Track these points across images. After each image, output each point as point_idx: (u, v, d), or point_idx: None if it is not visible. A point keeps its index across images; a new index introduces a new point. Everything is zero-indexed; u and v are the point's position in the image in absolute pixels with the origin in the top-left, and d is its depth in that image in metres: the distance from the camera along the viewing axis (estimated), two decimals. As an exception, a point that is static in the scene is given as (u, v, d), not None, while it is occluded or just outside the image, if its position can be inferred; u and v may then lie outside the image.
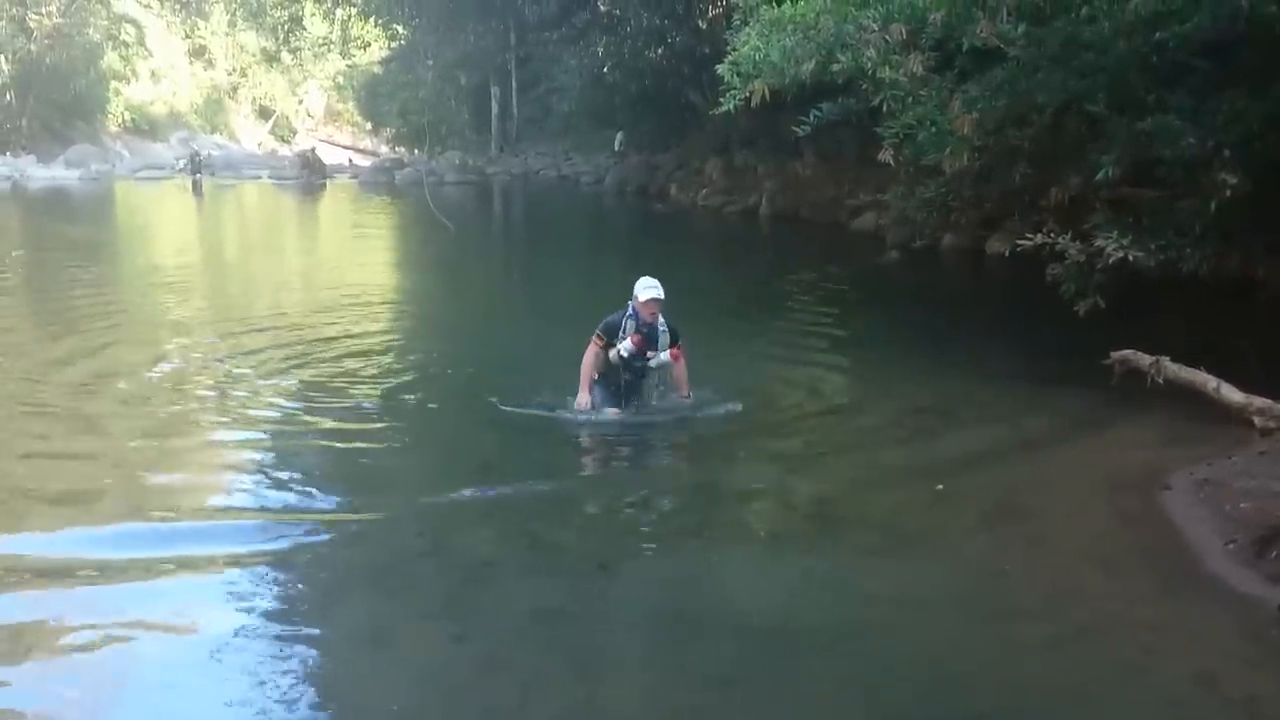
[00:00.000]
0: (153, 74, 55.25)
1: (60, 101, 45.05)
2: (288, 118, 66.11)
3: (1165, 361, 7.18)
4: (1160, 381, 7.17)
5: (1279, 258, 9.93)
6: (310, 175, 40.03)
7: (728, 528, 6.04)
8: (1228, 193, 7.95)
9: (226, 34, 60.94)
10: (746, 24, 9.93)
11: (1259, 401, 6.56)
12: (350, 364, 9.61)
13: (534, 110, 42.86)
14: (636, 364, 7.53)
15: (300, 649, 4.54)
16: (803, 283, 14.42)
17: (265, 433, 7.58)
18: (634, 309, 7.45)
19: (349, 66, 61.59)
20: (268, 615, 4.78)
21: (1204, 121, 8.16)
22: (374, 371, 9.42)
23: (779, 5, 9.42)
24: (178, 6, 57.22)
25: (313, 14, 57.50)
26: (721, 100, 9.78)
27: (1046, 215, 10.43)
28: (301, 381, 8.88)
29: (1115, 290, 8.59)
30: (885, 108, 9.24)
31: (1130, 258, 8.27)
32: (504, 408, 7.80)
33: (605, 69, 30.56)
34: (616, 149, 36.05)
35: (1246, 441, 6.49)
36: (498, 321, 12.96)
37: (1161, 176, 8.93)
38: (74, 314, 12.17)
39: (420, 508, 6.17)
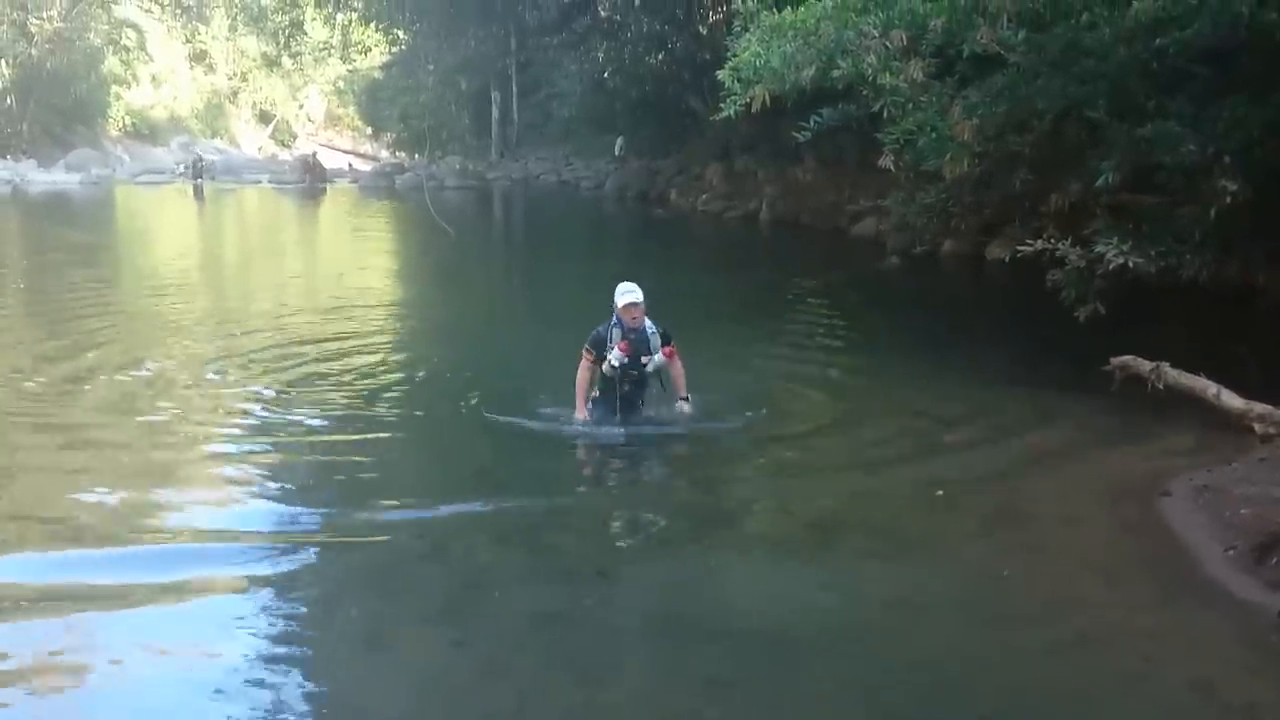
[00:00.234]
0: (153, 79, 55.32)
1: (61, 106, 45.12)
2: (288, 122, 66.21)
3: (1165, 367, 7.19)
4: (1160, 387, 7.18)
5: (1279, 264, 9.93)
6: (311, 180, 40.07)
7: (727, 533, 6.03)
8: (1228, 199, 7.95)
9: (227, 39, 61.01)
10: (747, 30, 9.93)
11: (1259, 408, 6.56)
12: (350, 369, 9.62)
13: (534, 115, 42.93)
14: (632, 371, 7.39)
15: (299, 653, 4.54)
16: (803, 288, 14.42)
17: (264, 437, 7.57)
18: (617, 316, 7.33)
19: (350, 71, 61.69)
20: (266, 620, 4.77)
21: (1204, 128, 8.16)
22: (374, 376, 9.42)
23: (779, 11, 9.44)
24: (179, 11, 57.28)
25: (313, 19, 57.55)
26: (722, 106, 9.80)
27: (1047, 221, 10.43)
28: (301, 387, 8.87)
29: (1115, 296, 8.59)
30: (886, 113, 9.25)
31: (1130, 264, 8.27)
32: (490, 416, 7.76)
33: (606, 74, 30.62)
34: (617, 154, 36.09)
35: (1246, 448, 6.50)
36: (498, 326, 12.96)
37: (1162, 183, 8.93)
38: (73, 318, 12.15)
39: (419, 512, 6.16)
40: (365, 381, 9.18)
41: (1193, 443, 6.90)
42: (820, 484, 6.79)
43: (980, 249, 16.27)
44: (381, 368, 9.85)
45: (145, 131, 53.00)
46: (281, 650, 4.53)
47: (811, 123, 9.86)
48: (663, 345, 7.37)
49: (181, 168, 43.73)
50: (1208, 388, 6.87)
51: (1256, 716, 4.03)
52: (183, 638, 4.60)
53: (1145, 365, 7.30)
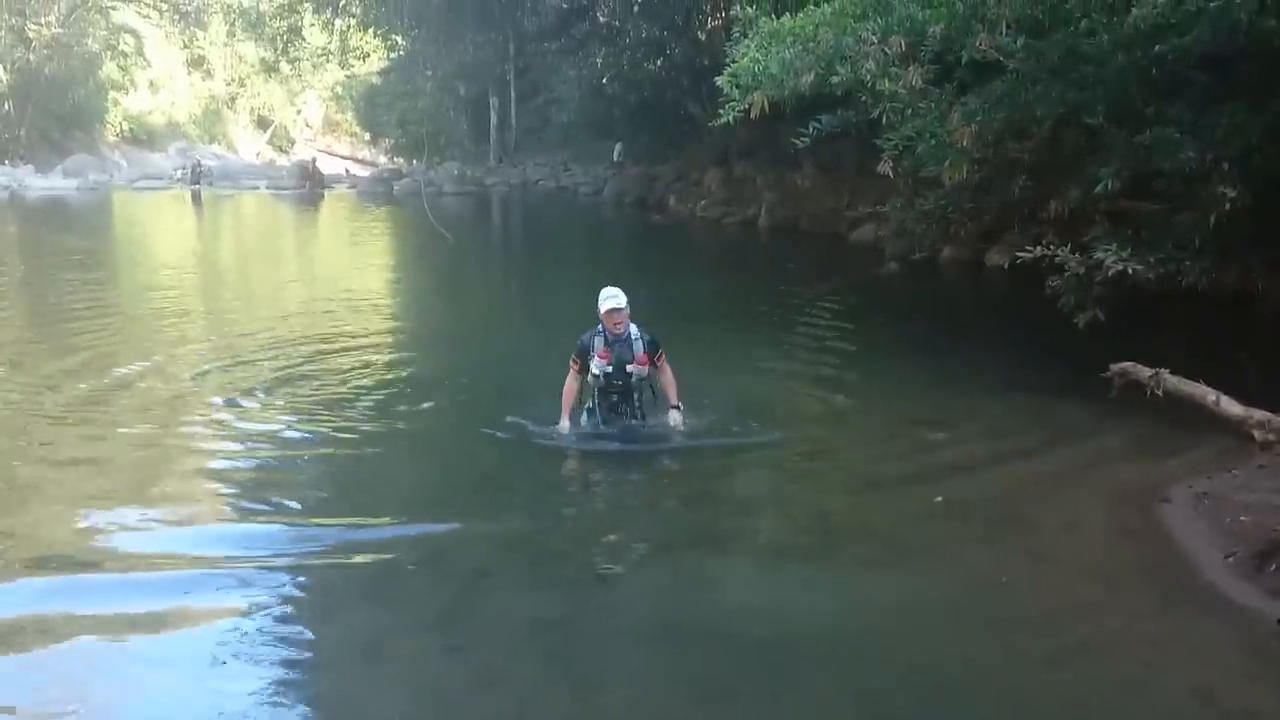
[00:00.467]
0: (151, 84, 55.38)
1: (59, 111, 45.09)
2: (286, 128, 66.24)
3: (1165, 374, 7.17)
4: (1160, 394, 7.16)
5: (1278, 271, 9.93)
6: (309, 186, 40.07)
7: (726, 539, 6.01)
8: (1227, 206, 7.95)
9: (225, 44, 60.97)
10: (746, 36, 9.93)
11: (1259, 414, 6.55)
12: (349, 375, 9.61)
13: (533, 121, 42.96)
14: (616, 381, 7.26)
15: (296, 660, 4.53)
16: (801, 294, 14.39)
17: (261, 443, 7.55)
18: (601, 323, 7.23)
19: (348, 77, 61.60)
20: (263, 627, 4.75)
21: (1203, 135, 8.16)
22: (372, 382, 9.40)
23: (778, 17, 9.44)
24: (176, 17, 57.19)
25: (312, 24, 57.43)
26: (720, 112, 9.78)
27: (1046, 227, 10.42)
28: (298, 393, 8.86)
29: (1115, 303, 8.59)
30: (884, 120, 9.25)
31: (1129, 270, 8.27)
32: (487, 431, 7.71)
33: (604, 80, 30.65)
34: (615, 160, 36.12)
35: (1246, 455, 6.49)
36: (496, 332, 12.95)
37: (1161, 189, 8.93)
38: (71, 323, 12.15)
39: (417, 518, 6.14)
40: (362, 387, 9.16)
41: (1192, 449, 6.90)
42: (819, 490, 6.79)
43: (979, 255, 16.29)
44: (379, 373, 9.82)
45: (143, 137, 53.02)
46: (277, 656, 4.51)
47: (810, 129, 9.86)
48: (651, 352, 7.25)
49: (179, 173, 43.73)
50: (1207, 394, 6.86)
51: (1257, 723, 4.03)
52: (183, 645, 4.60)
53: (1145, 372, 7.29)
